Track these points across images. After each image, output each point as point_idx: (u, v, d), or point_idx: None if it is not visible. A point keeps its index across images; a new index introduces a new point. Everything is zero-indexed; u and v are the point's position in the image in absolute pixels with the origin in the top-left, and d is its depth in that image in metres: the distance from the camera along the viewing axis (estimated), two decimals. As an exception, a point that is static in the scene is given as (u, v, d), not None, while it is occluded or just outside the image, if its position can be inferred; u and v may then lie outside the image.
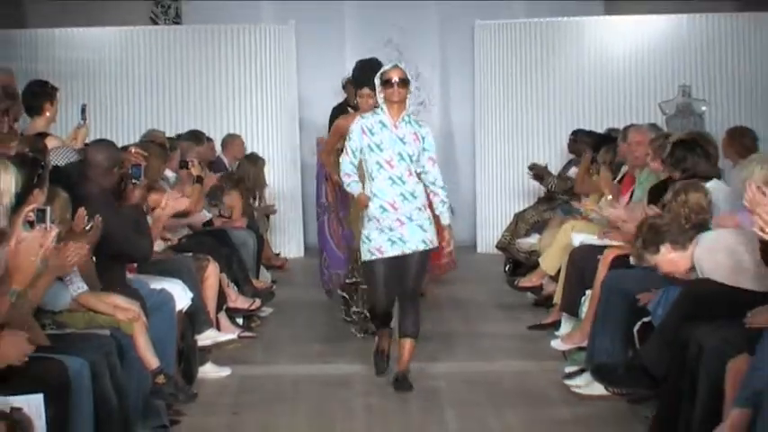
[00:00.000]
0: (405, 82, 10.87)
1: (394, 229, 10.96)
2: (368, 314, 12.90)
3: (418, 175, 11.17)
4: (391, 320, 11.51)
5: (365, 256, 11.15)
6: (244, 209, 16.31)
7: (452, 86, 21.58)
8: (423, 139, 11.03)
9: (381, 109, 11.05)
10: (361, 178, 11.82)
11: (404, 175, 10.95)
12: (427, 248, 11.13)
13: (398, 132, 10.98)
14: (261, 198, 18.58)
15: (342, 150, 12.60)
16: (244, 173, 17.39)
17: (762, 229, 7.52)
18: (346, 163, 11.12)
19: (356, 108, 14.02)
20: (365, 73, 12.97)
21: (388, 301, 11.30)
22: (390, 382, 10.95)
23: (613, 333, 10.53)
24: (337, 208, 14.42)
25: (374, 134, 11.00)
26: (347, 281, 14.12)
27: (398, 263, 11.06)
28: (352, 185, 11.11)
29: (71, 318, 8.88)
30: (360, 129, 11.09)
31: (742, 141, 12.21)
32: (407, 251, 11.03)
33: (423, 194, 11.12)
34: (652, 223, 9.27)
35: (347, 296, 14.14)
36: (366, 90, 12.90)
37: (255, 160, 17.85)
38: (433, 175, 11.14)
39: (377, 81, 10.95)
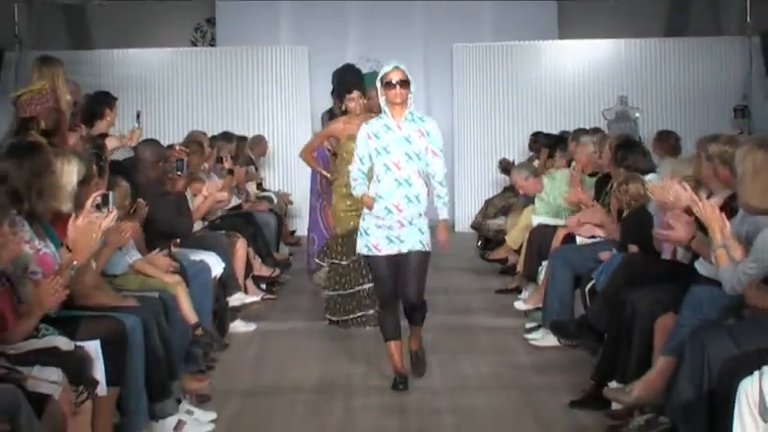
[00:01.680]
0: (405, 83, 9.33)
1: (393, 229, 9.41)
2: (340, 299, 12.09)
3: (426, 177, 9.63)
4: (400, 328, 9.68)
5: (362, 251, 9.67)
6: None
7: (434, 96, 21.54)
8: (428, 133, 9.42)
9: (384, 112, 9.49)
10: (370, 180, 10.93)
11: (411, 176, 9.36)
12: (423, 250, 9.48)
13: (403, 132, 9.39)
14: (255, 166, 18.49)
15: (334, 153, 12.76)
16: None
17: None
18: (355, 170, 9.59)
19: (345, 113, 12.44)
20: (350, 77, 12.44)
21: (392, 290, 9.60)
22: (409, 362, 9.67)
23: (561, 295, 10.62)
24: (329, 196, 13.34)
25: (380, 138, 9.41)
26: (316, 260, 13.36)
27: (397, 262, 9.51)
28: (356, 188, 9.64)
29: (127, 281, 8.88)
30: (365, 135, 9.52)
31: (668, 141, 12.25)
32: (404, 250, 9.44)
33: (426, 199, 9.55)
34: None
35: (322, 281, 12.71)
36: (355, 93, 11.99)
37: (230, 137, 17.22)
38: (434, 169, 9.48)
39: (378, 84, 9.45)
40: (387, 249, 9.45)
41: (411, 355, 9.74)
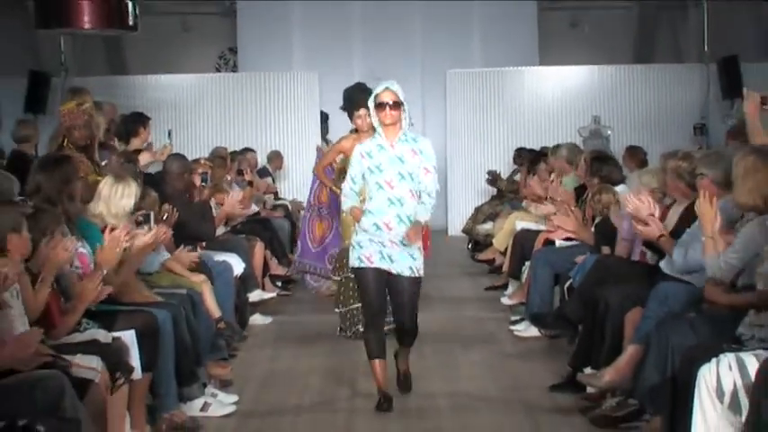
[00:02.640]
0: (397, 104, 8.40)
1: (386, 246, 8.43)
2: (355, 324, 10.76)
3: (419, 196, 8.58)
4: (385, 346, 8.68)
5: (354, 263, 8.62)
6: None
7: (430, 115, 21.49)
8: (420, 151, 8.46)
9: (378, 132, 8.56)
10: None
11: (404, 196, 8.38)
12: (414, 276, 8.52)
13: (396, 152, 8.42)
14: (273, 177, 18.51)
15: (342, 169, 11.59)
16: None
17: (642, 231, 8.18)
18: (346, 188, 8.74)
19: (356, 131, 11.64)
20: (358, 95, 11.09)
21: (379, 305, 8.65)
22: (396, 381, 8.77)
23: (542, 292, 10.62)
24: (321, 209, 12.92)
25: (373, 157, 8.48)
26: (333, 277, 11.69)
27: (386, 279, 8.55)
28: (345, 203, 8.84)
29: (159, 278, 8.89)
30: (359, 154, 8.61)
31: (636, 156, 12.24)
32: (394, 271, 8.46)
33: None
34: None
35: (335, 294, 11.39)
36: (362, 111, 10.89)
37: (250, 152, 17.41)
38: (425, 183, 8.45)
39: (370, 104, 8.61)
40: (378, 263, 8.44)
41: (399, 374, 8.89)
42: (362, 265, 8.50)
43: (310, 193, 13.47)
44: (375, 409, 8.33)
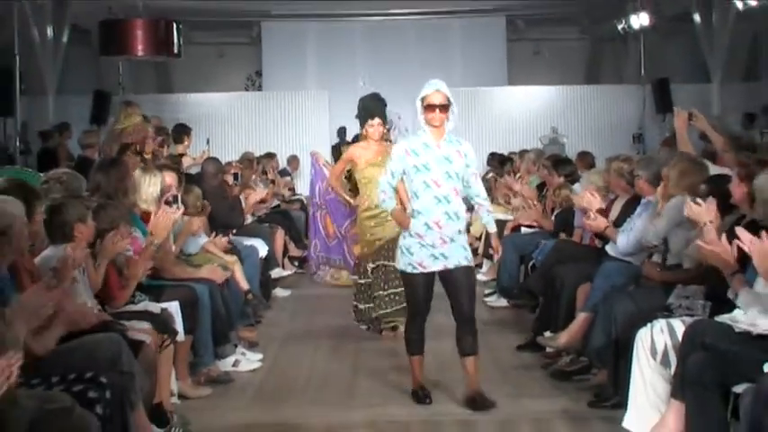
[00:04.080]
0: (445, 106, 7.19)
1: (436, 246, 7.09)
2: (376, 316, 9.66)
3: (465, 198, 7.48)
4: (424, 343, 7.53)
5: (405, 269, 7.24)
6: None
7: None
8: (465, 155, 7.19)
9: (423, 130, 7.28)
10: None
11: (450, 194, 7.10)
12: (470, 265, 7.28)
13: (443, 152, 7.13)
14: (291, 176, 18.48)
15: (348, 177, 10.36)
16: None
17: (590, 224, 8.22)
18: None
19: (364, 138, 10.10)
20: (374, 105, 9.79)
21: (425, 309, 7.41)
22: (466, 403, 7.12)
23: (510, 270, 10.59)
24: (328, 207, 11.19)
25: (419, 155, 7.12)
26: (355, 279, 10.24)
27: (445, 278, 7.23)
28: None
29: (198, 258, 8.86)
30: (403, 150, 7.21)
31: (586, 159, 12.18)
32: (450, 266, 7.13)
33: (464, 216, 7.43)
34: None
35: (354, 294, 10.05)
36: (376, 120, 9.67)
37: (272, 156, 17.25)
38: (475, 189, 7.38)
39: (418, 104, 7.34)
40: (433, 266, 7.11)
41: (473, 395, 7.15)
42: (415, 271, 7.15)
43: (313, 191, 11.90)
44: (414, 401, 7.25)
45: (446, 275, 7.16)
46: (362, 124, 9.82)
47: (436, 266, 7.10)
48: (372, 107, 9.79)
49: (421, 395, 7.32)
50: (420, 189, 7.10)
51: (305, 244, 14.10)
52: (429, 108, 7.14)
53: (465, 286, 7.21)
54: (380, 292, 9.53)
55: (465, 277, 7.20)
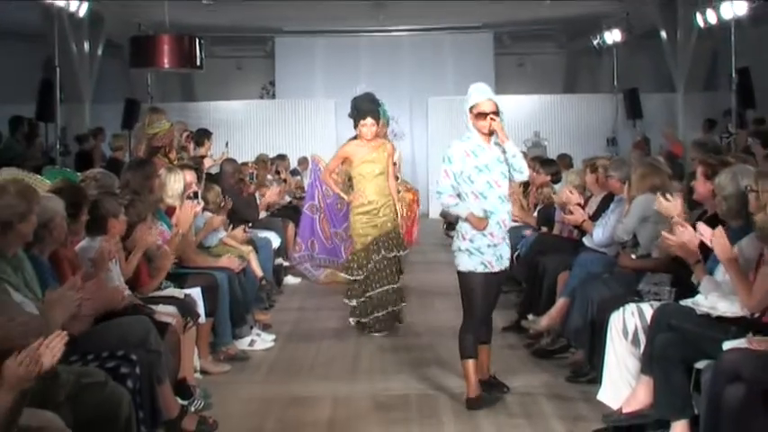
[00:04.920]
0: (496, 113, 6.58)
1: (498, 246, 6.52)
2: (380, 314, 8.86)
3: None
4: (478, 347, 6.63)
5: (476, 268, 6.50)
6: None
7: (416, 131, 21.50)
8: (504, 152, 6.56)
9: (470, 133, 6.60)
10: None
11: (505, 194, 6.61)
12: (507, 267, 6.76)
13: (495, 154, 6.56)
14: (301, 176, 18.25)
15: (349, 178, 9.64)
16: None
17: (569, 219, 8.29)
18: (447, 186, 6.52)
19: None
20: (366, 105, 9.00)
21: (487, 310, 6.71)
22: (483, 386, 6.61)
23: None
24: (325, 210, 10.86)
25: (478, 156, 6.50)
26: (347, 276, 9.15)
27: (488, 279, 6.58)
28: (459, 207, 6.52)
29: (218, 250, 8.86)
30: (463, 152, 6.52)
31: (565, 160, 12.20)
32: (503, 267, 6.61)
33: None
34: None
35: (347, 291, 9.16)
36: (369, 120, 8.89)
37: (284, 158, 16.76)
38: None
39: (467, 109, 6.67)
40: (497, 266, 6.55)
41: (488, 379, 6.80)
42: (486, 270, 6.51)
43: (312, 193, 11.50)
44: (469, 408, 6.47)
45: (491, 277, 6.57)
46: (356, 124, 9.05)
47: (498, 267, 6.55)
48: (365, 107, 9.04)
49: (486, 401, 6.53)
50: (485, 189, 6.49)
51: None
52: (480, 116, 6.55)
53: (500, 287, 6.85)
54: (373, 293, 8.86)
55: (502, 279, 6.82)
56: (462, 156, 6.49)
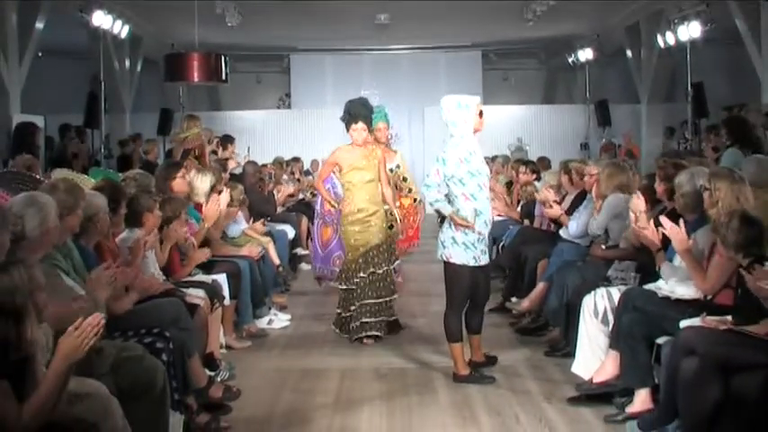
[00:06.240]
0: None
1: (483, 241, 6.32)
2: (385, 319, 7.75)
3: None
4: (462, 331, 6.42)
5: (468, 262, 6.22)
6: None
7: (414, 135, 21.42)
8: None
9: (462, 138, 6.32)
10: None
11: (489, 194, 6.45)
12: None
13: (481, 157, 6.38)
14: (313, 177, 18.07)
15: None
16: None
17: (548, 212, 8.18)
18: (435, 184, 6.28)
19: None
20: (358, 109, 7.75)
21: (480, 301, 6.50)
22: (476, 365, 6.52)
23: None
24: (325, 217, 9.07)
25: (470, 161, 6.22)
26: (338, 285, 8.03)
27: (476, 274, 6.31)
28: (443, 205, 6.25)
29: (239, 240, 8.86)
30: (457, 159, 6.22)
31: (543, 162, 12.16)
32: (486, 261, 6.36)
33: None
34: None
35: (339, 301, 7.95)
36: (360, 124, 7.68)
37: (298, 160, 16.71)
38: None
39: (474, 110, 6.35)
40: (482, 261, 6.31)
41: (485, 358, 6.71)
42: (477, 264, 6.28)
43: (318, 203, 9.55)
44: (483, 382, 6.33)
45: (478, 271, 6.34)
46: (347, 128, 7.82)
47: (483, 260, 6.34)
48: (356, 111, 7.76)
49: (480, 377, 6.39)
50: (476, 191, 6.23)
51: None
52: (481, 114, 6.33)
53: (488, 280, 6.62)
54: (369, 301, 7.64)
55: (488, 270, 6.61)
56: (457, 162, 6.22)
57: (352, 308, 7.69)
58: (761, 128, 10.14)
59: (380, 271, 7.68)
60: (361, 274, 7.66)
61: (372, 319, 7.64)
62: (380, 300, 7.68)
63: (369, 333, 7.62)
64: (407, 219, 9.22)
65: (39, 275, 3.45)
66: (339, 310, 7.92)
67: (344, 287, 7.82)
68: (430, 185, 6.30)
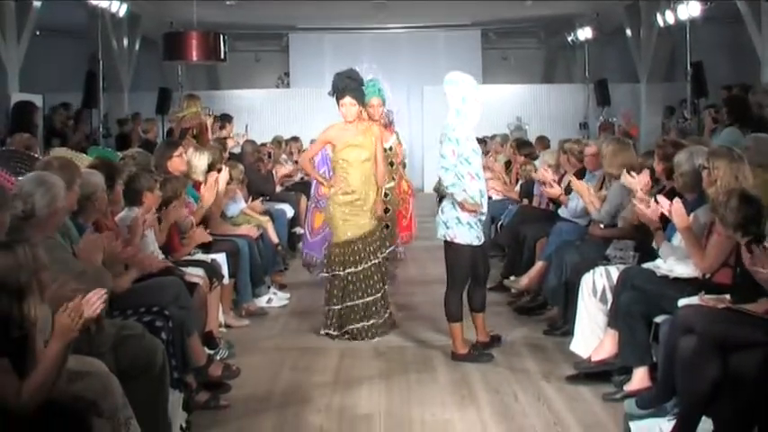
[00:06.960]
0: None
1: (482, 221, 6.34)
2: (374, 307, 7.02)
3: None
4: (462, 311, 6.36)
5: (473, 241, 6.18)
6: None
7: (413, 113, 21.31)
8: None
9: (465, 118, 6.25)
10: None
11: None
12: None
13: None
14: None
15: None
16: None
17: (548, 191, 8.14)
18: (453, 165, 6.12)
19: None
20: (344, 82, 7.00)
21: (480, 279, 6.47)
22: (480, 345, 6.49)
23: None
24: (319, 201, 8.32)
25: (471, 139, 6.24)
26: (326, 273, 7.20)
27: (476, 253, 6.29)
28: (457, 190, 6.16)
29: (238, 220, 8.85)
30: (465, 138, 6.14)
31: (543, 142, 12.13)
32: (483, 240, 6.29)
33: None
34: None
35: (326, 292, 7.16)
36: (348, 98, 6.96)
37: (296, 140, 16.13)
38: None
39: (478, 92, 6.38)
40: (482, 240, 6.32)
41: (490, 338, 6.64)
42: (479, 243, 6.28)
43: (313, 186, 8.83)
44: (482, 360, 6.34)
45: (477, 250, 6.32)
46: (337, 103, 7.10)
47: (481, 241, 6.33)
48: (342, 84, 7.01)
49: (482, 354, 6.38)
50: (480, 171, 6.21)
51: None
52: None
53: (485, 256, 6.59)
54: (358, 302, 7.06)
55: (487, 249, 6.65)
56: (465, 140, 6.15)
57: (337, 307, 7.05)
58: (767, 108, 10.09)
59: (368, 264, 7.06)
60: (350, 269, 7.04)
61: (361, 324, 7.03)
62: (369, 298, 7.07)
63: (368, 333, 7.05)
64: (404, 205, 8.84)
65: (43, 255, 3.45)
66: (330, 307, 7.10)
67: (331, 273, 7.10)
68: (448, 168, 6.12)
